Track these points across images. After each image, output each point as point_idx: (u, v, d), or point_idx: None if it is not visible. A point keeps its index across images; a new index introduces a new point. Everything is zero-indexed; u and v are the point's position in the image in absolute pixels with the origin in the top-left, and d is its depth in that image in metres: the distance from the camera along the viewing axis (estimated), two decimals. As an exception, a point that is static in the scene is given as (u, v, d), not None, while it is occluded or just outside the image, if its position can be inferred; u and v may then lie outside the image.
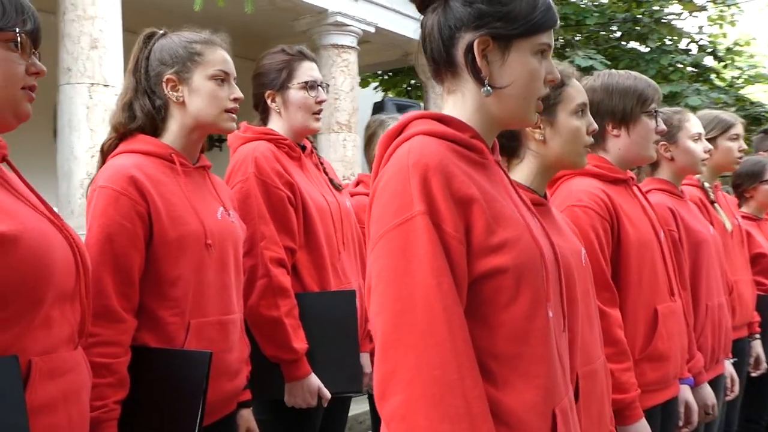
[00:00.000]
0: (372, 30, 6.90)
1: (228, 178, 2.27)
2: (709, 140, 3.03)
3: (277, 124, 2.40)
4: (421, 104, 8.14)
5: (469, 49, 1.21)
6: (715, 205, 3.04)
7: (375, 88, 10.20)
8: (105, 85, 4.61)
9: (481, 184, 1.17)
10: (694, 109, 8.91)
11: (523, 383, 1.12)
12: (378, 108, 7.89)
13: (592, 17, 10.05)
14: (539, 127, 1.70)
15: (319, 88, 2.42)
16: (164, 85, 1.84)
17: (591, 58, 8.96)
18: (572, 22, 10.47)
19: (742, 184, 3.60)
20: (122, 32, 4.87)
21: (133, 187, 1.72)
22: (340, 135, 6.57)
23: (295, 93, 2.36)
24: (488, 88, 1.22)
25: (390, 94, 10.76)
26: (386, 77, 10.73)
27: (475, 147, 1.22)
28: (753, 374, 3.20)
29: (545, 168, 1.73)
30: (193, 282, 1.76)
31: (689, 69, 11.40)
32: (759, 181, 3.52)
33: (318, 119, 2.44)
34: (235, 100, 1.89)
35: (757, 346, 3.19)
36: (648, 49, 10.49)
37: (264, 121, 2.44)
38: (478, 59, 1.22)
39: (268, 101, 2.38)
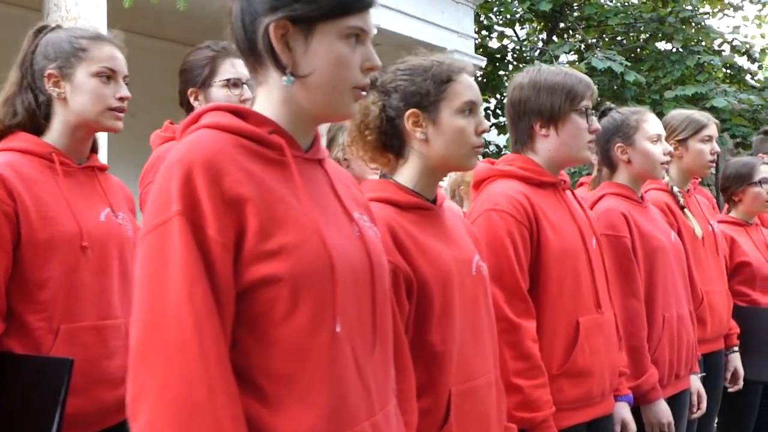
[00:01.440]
0: (374, 31, 6.77)
1: (141, 178, 2.21)
2: (679, 141, 2.90)
3: None
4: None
5: (267, 33, 1.11)
6: (685, 210, 2.87)
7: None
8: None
9: (267, 183, 1.07)
10: (719, 111, 8.63)
11: (301, 405, 1.01)
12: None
13: (615, 17, 9.80)
14: (421, 126, 1.59)
15: (244, 86, 2.35)
16: (46, 80, 1.78)
17: (609, 59, 8.73)
18: (594, 23, 10.24)
19: (730, 186, 3.40)
20: (106, 27, 4.87)
21: (1, 187, 1.66)
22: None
23: (217, 91, 2.29)
24: (289, 77, 1.12)
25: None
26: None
27: (270, 143, 1.12)
28: (730, 389, 3.01)
29: (429, 169, 1.62)
30: (65, 285, 1.69)
31: (724, 70, 11.04)
32: (747, 184, 3.32)
33: None
34: (122, 99, 1.83)
35: (735, 359, 3.00)
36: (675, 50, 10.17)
37: (189, 119, 2.38)
38: (276, 45, 1.12)
39: (191, 99, 2.32)
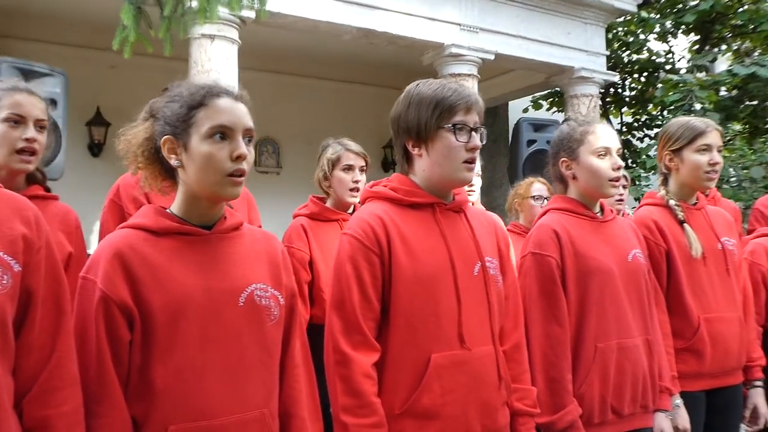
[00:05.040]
0: (491, 57, 6.30)
1: None
2: (674, 152, 2.25)
3: None
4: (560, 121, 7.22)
5: None
6: (685, 225, 2.20)
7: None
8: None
9: None
10: None
11: None
12: (516, 129, 7.24)
13: (767, 23, 8.18)
14: (176, 152, 1.33)
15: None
16: None
17: (758, 65, 7.28)
18: (749, 30, 8.64)
19: (775, 199, 2.60)
20: (237, 78, 5.02)
21: None
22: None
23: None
24: None
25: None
26: (557, 98, 9.81)
27: None
28: (748, 429, 2.26)
29: (193, 196, 1.35)
30: None
31: None
32: (793, 195, 2.51)
33: None
34: (28, 140, 1.79)
35: (755, 395, 2.25)
36: None
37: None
38: None
39: None
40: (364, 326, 1.50)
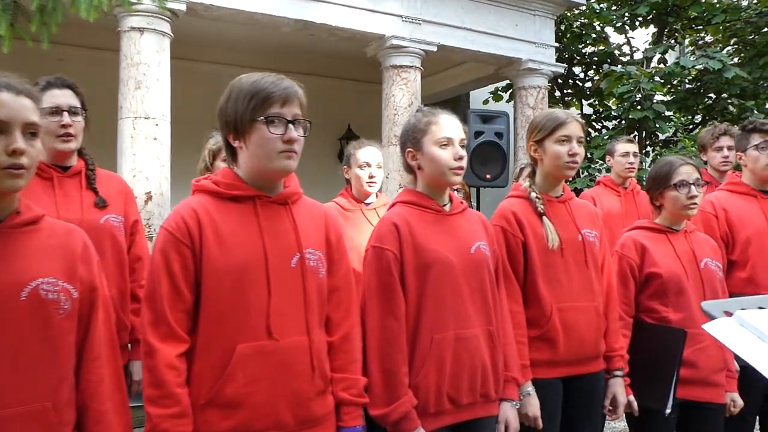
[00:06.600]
0: (434, 49, 6.33)
1: None
2: (537, 143, 2.29)
3: None
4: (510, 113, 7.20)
5: None
6: (543, 218, 2.24)
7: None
8: (145, 118, 4.77)
9: None
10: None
11: None
12: (463, 119, 7.26)
13: (721, 15, 8.24)
14: None
15: (65, 113, 2.25)
16: None
17: (707, 57, 7.35)
18: (703, 23, 8.70)
19: (650, 189, 2.64)
20: (169, 70, 5.00)
21: None
22: (398, 147, 6.08)
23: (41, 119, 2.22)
24: None
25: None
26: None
27: None
28: (609, 419, 2.31)
29: None
30: None
31: None
32: (664, 187, 2.55)
33: (65, 141, 2.26)
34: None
35: (615, 384, 2.29)
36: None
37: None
38: None
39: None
40: (171, 318, 1.53)
